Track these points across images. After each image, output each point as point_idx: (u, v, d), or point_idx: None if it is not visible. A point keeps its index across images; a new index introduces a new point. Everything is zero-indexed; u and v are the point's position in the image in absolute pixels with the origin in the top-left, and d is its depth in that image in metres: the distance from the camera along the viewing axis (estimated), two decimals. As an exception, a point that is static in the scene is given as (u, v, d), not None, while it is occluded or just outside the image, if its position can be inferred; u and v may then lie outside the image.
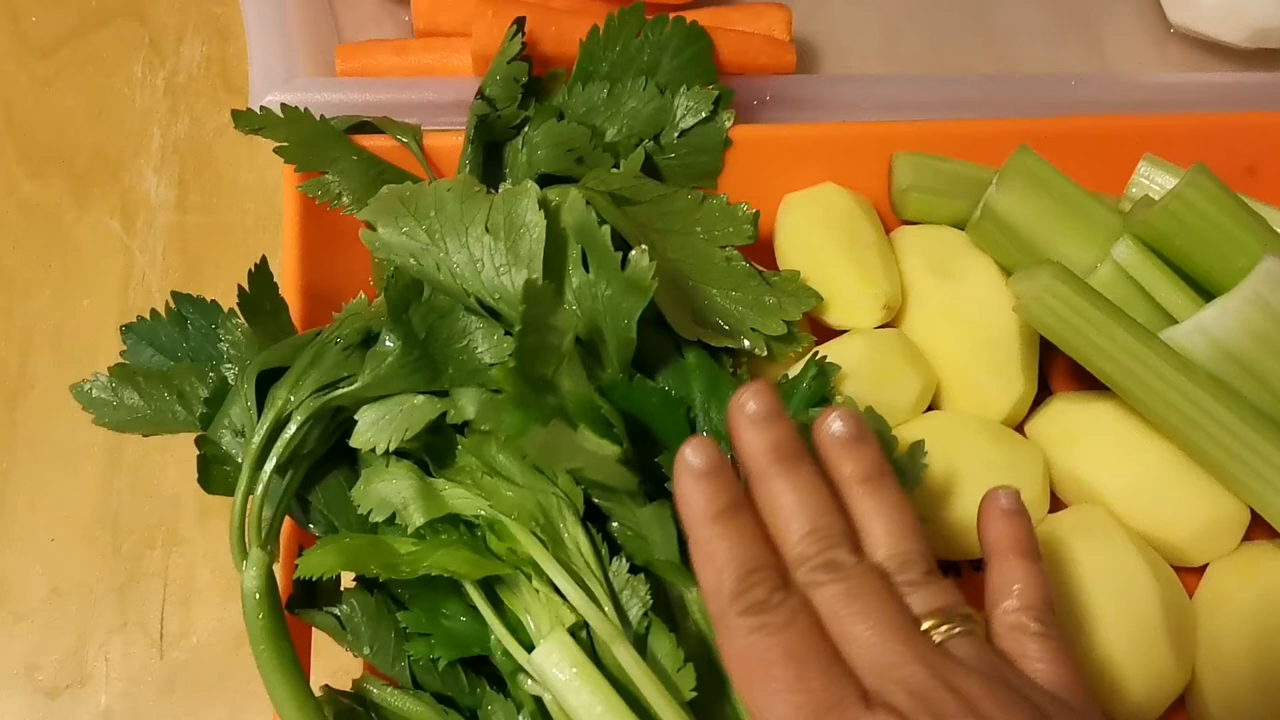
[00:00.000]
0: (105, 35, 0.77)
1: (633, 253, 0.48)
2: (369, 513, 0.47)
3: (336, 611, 0.49)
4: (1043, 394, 0.59)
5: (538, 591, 0.45)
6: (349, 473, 0.50)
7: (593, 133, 0.57)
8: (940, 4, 0.77)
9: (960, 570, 0.57)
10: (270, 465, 0.46)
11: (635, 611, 0.45)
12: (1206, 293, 0.55)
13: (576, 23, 0.62)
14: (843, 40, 0.75)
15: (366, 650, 0.48)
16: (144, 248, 0.71)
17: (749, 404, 0.42)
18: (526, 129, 0.59)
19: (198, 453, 0.48)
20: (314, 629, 0.50)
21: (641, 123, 0.58)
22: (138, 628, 0.63)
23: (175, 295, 0.52)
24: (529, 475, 0.46)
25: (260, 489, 0.46)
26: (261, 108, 0.58)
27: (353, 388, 0.47)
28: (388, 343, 0.47)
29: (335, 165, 0.57)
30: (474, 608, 0.46)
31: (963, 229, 0.61)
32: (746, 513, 0.41)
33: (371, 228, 0.48)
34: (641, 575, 0.46)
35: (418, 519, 0.46)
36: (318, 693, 0.46)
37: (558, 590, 0.44)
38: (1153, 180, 0.61)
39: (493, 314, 0.48)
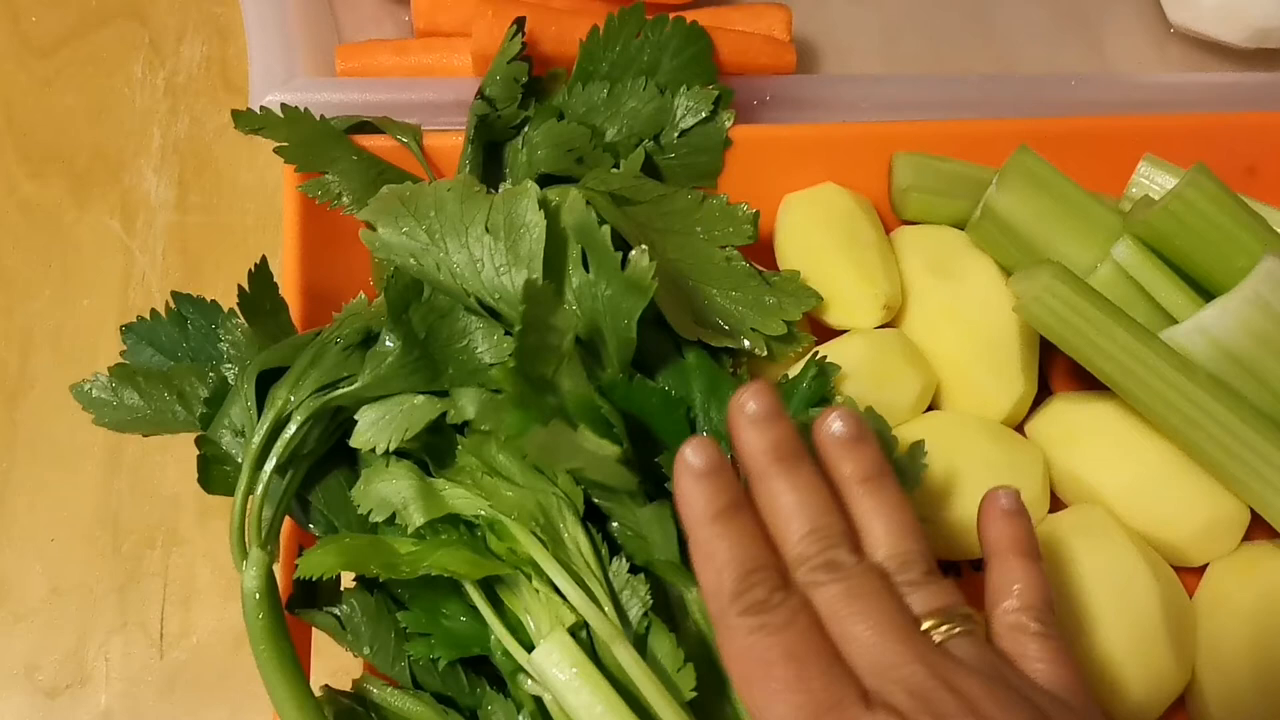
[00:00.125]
0: (105, 35, 0.77)
1: (633, 253, 0.48)
2: (369, 513, 0.47)
3: (336, 611, 0.49)
4: (1043, 394, 0.59)
5: (538, 591, 0.45)
6: (349, 473, 0.50)
7: (593, 133, 0.57)
8: (940, 4, 0.77)
9: (960, 570, 0.57)
10: (270, 465, 0.46)
11: (635, 611, 0.45)
12: (1206, 293, 0.55)
13: (576, 23, 0.62)
14: (843, 40, 0.75)
15: (366, 650, 0.48)
16: (144, 248, 0.71)
17: (749, 404, 0.42)
18: (526, 129, 0.59)
19: (198, 453, 0.48)
20: (314, 629, 0.50)
21: (641, 123, 0.58)
22: (138, 628, 0.63)
23: (175, 295, 0.52)
24: (529, 475, 0.46)
25: (260, 489, 0.46)
26: (261, 108, 0.58)
27: (353, 388, 0.47)
28: (388, 343, 0.47)
29: (335, 165, 0.57)
30: (474, 608, 0.46)
31: (963, 229, 0.61)
32: (746, 513, 0.41)
33: (371, 228, 0.48)
34: (641, 575, 0.46)
35: (418, 519, 0.46)
36: (318, 693, 0.46)
37: (558, 590, 0.44)
38: (1153, 180, 0.61)
39: (493, 314, 0.48)
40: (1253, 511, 0.55)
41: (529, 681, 0.45)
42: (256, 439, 0.46)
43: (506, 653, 0.45)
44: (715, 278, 0.55)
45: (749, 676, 0.39)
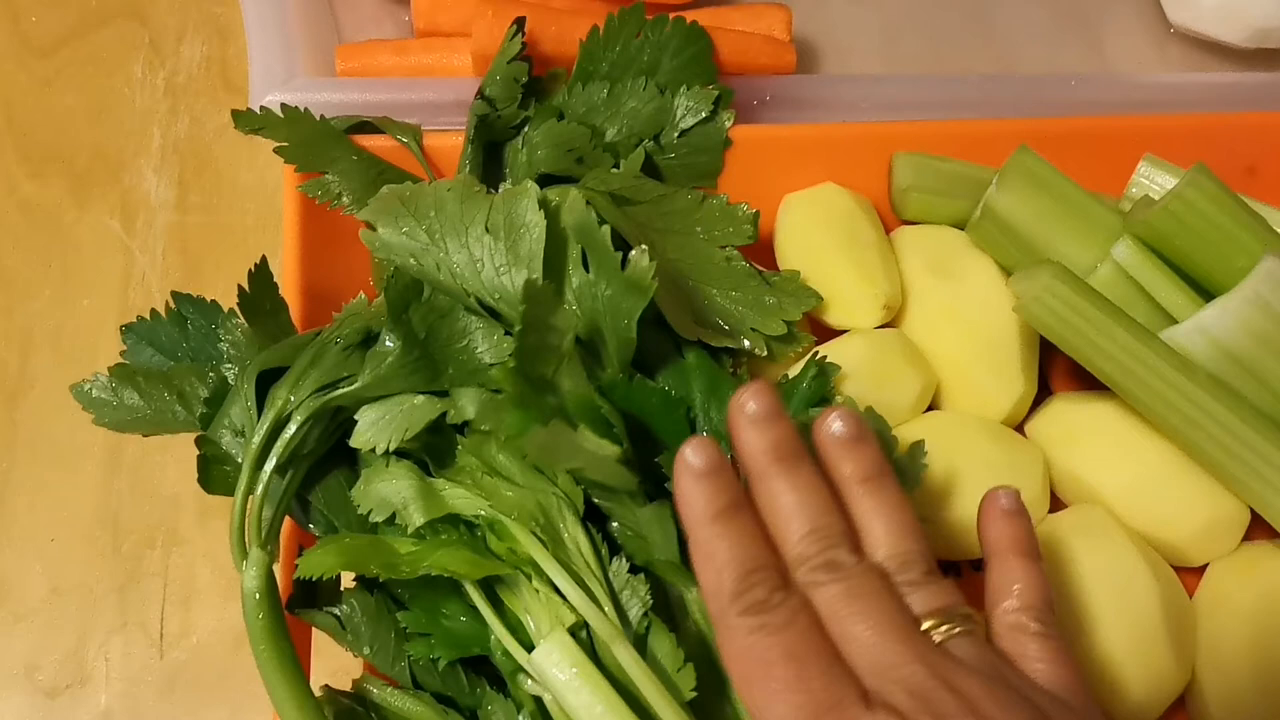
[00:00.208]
0: (105, 35, 0.77)
1: (633, 253, 0.48)
2: (369, 513, 0.47)
3: (336, 611, 0.49)
4: (1043, 394, 0.59)
5: (538, 591, 0.45)
6: (349, 473, 0.50)
7: (593, 133, 0.57)
8: (940, 4, 0.77)
9: (960, 570, 0.57)
10: (270, 465, 0.46)
11: (635, 611, 0.45)
12: (1206, 293, 0.55)
13: (576, 23, 0.62)
14: (843, 40, 0.75)
15: (366, 650, 0.48)
16: (144, 248, 0.71)
17: (749, 404, 0.42)
18: (526, 129, 0.59)
19: (198, 453, 0.48)
20: (314, 629, 0.50)
21: (641, 123, 0.58)
22: (138, 628, 0.63)
23: (175, 295, 0.52)
24: (529, 475, 0.46)
25: (260, 489, 0.46)
26: (261, 108, 0.58)
27: (353, 388, 0.47)
28: (388, 343, 0.47)
29: (335, 165, 0.57)
30: (474, 608, 0.46)
31: (963, 229, 0.61)
32: (746, 513, 0.41)
33: (371, 228, 0.48)
34: (641, 575, 0.46)
35: (418, 519, 0.46)
36: (318, 693, 0.46)
37: (558, 590, 0.44)
38: (1153, 180, 0.61)
39: (493, 314, 0.48)
40: (1253, 511, 0.55)
41: (529, 681, 0.45)
42: (256, 439, 0.46)
43: (506, 653, 0.45)
44: (715, 278, 0.55)
45: (749, 676, 0.39)
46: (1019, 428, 0.59)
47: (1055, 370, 0.60)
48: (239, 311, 0.51)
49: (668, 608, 0.47)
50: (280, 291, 0.51)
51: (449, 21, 0.69)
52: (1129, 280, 0.56)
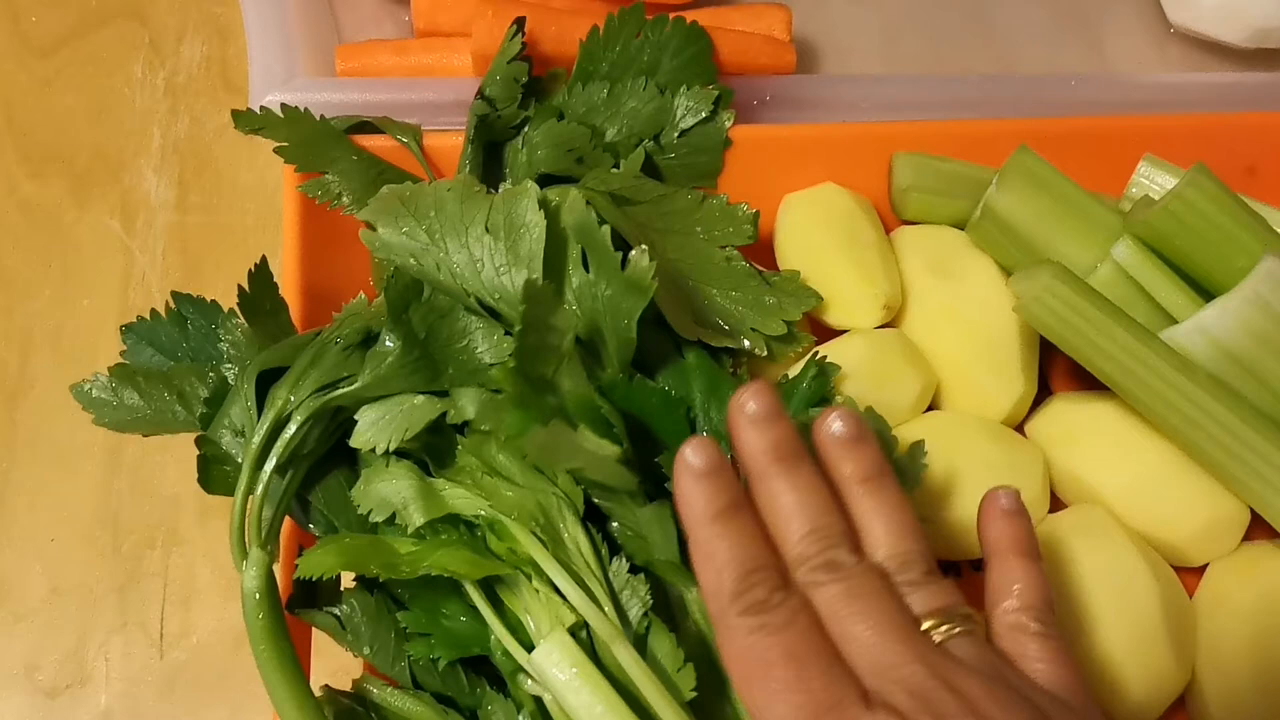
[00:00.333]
0: (105, 35, 0.77)
1: (633, 253, 0.48)
2: (369, 513, 0.47)
3: (336, 611, 0.49)
4: (1043, 394, 0.59)
5: (538, 591, 0.45)
6: (349, 473, 0.50)
7: (593, 133, 0.57)
8: (940, 4, 0.77)
9: (960, 570, 0.57)
10: (270, 465, 0.46)
11: (635, 611, 0.45)
12: (1206, 293, 0.55)
13: (576, 23, 0.62)
14: (843, 40, 0.75)
15: (366, 650, 0.48)
16: (144, 248, 0.71)
17: (749, 404, 0.42)
18: (526, 129, 0.59)
19: (198, 453, 0.48)
20: (314, 629, 0.50)
21: (641, 123, 0.58)
22: (138, 628, 0.63)
23: (175, 295, 0.52)
24: (529, 475, 0.46)
25: (260, 489, 0.46)
26: (261, 108, 0.58)
27: (353, 388, 0.47)
28: (388, 343, 0.47)
29: (335, 165, 0.57)
30: (474, 608, 0.46)
31: (963, 229, 0.61)
32: (746, 513, 0.41)
33: (371, 228, 0.48)
34: (641, 575, 0.46)
35: (418, 519, 0.46)
36: (318, 693, 0.46)
37: (558, 590, 0.44)
38: (1153, 180, 0.61)
39: (493, 314, 0.48)
40: (1253, 511, 0.55)
41: (529, 681, 0.45)
42: (256, 439, 0.46)
43: (506, 653, 0.45)
44: (715, 278, 0.55)
45: (749, 676, 0.39)
46: (1019, 428, 0.59)
47: (1055, 370, 0.60)
48: (239, 311, 0.51)
49: (668, 608, 0.47)
50: (280, 291, 0.51)
51: (449, 21, 0.69)
52: (1129, 280, 0.56)
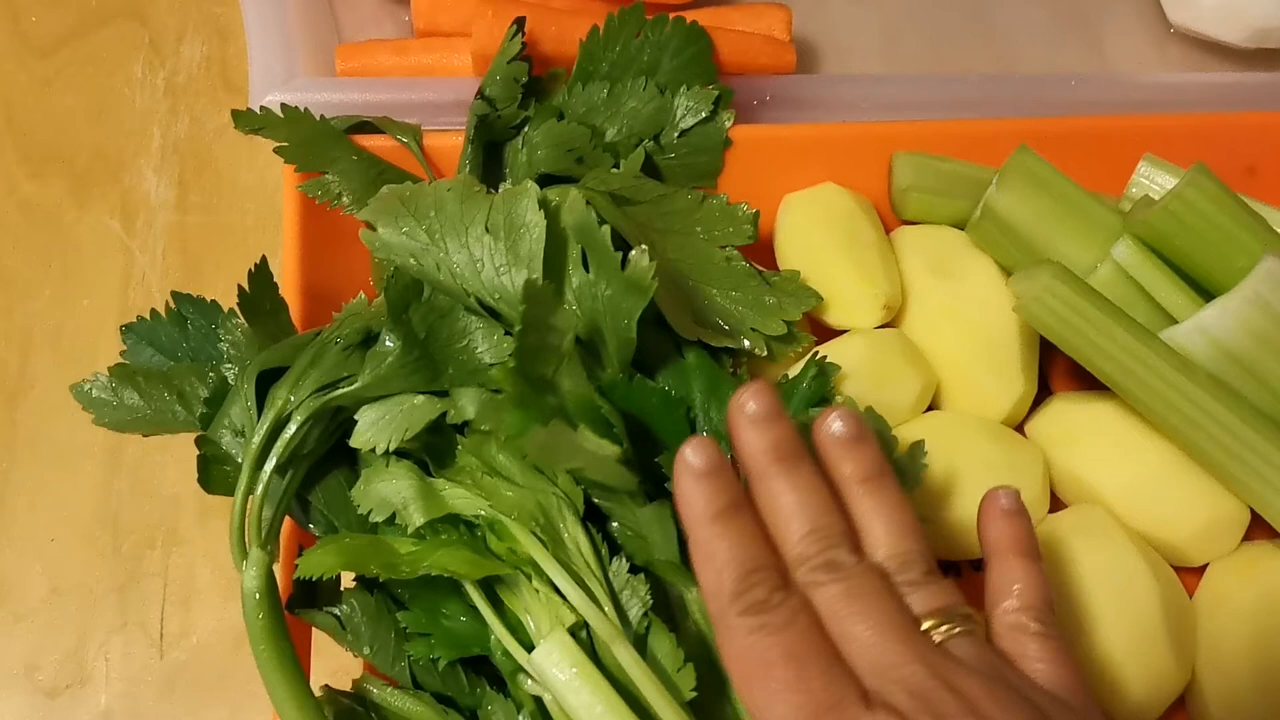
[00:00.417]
0: (105, 35, 0.77)
1: (633, 253, 0.48)
2: (369, 513, 0.47)
3: (336, 611, 0.49)
4: (1043, 394, 0.59)
5: (538, 591, 0.45)
6: (349, 473, 0.50)
7: (593, 133, 0.57)
8: (940, 4, 0.77)
9: (960, 570, 0.57)
10: (270, 465, 0.46)
11: (635, 611, 0.45)
12: (1206, 293, 0.55)
13: (576, 23, 0.62)
14: (843, 40, 0.75)
15: (366, 650, 0.48)
16: (144, 248, 0.71)
17: (749, 404, 0.42)
18: (526, 129, 0.59)
19: (198, 453, 0.48)
20: (314, 629, 0.50)
21: (641, 123, 0.58)
22: (138, 628, 0.63)
23: (175, 295, 0.52)
24: (529, 475, 0.46)
25: (260, 489, 0.46)
26: (261, 108, 0.58)
27: (353, 388, 0.47)
28: (388, 343, 0.47)
29: (335, 165, 0.57)
30: (474, 608, 0.46)
31: (963, 229, 0.61)
32: (746, 513, 0.41)
33: (371, 228, 0.48)
34: (641, 575, 0.46)
35: (418, 519, 0.46)
36: (318, 693, 0.46)
37: (558, 590, 0.44)
38: (1153, 180, 0.61)
39: (493, 314, 0.48)
40: (1253, 511, 0.55)
41: (529, 681, 0.45)
42: (256, 439, 0.46)
43: (506, 653, 0.45)
44: (715, 278, 0.55)
45: (749, 676, 0.39)
46: (1019, 428, 0.59)
47: (1055, 370, 0.60)
48: (239, 311, 0.51)
49: (668, 608, 0.47)
50: (280, 291, 0.51)
51: (449, 21, 0.69)
52: (1129, 280, 0.56)
